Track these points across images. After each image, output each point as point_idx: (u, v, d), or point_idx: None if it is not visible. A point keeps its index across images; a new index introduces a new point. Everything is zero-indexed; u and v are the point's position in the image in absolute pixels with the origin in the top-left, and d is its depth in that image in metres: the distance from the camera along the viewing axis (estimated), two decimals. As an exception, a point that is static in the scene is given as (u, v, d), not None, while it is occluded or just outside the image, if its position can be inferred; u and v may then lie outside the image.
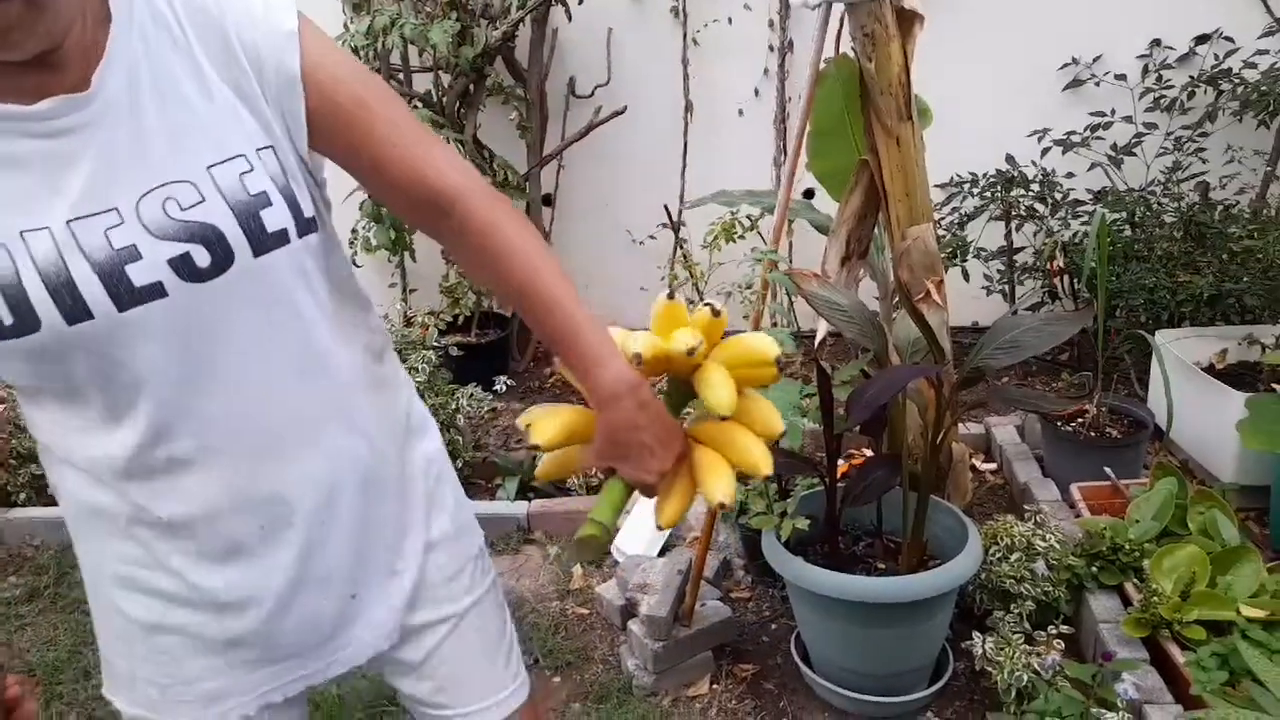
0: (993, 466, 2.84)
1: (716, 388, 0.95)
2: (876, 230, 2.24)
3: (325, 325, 0.89)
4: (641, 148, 3.81)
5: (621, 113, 3.64)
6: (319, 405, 0.90)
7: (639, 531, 2.54)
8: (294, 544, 0.92)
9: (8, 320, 0.75)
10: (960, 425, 2.97)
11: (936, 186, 3.37)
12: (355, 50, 3.32)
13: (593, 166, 3.86)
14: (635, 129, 3.76)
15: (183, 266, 0.78)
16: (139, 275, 0.77)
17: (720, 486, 0.96)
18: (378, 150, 0.86)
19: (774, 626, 2.28)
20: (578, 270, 3.93)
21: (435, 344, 2.85)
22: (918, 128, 1.98)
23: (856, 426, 1.86)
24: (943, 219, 3.36)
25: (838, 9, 1.93)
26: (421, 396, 2.74)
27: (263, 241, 0.82)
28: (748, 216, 3.52)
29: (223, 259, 0.79)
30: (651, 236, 3.84)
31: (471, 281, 3.51)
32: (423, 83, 3.60)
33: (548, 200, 3.87)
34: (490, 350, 3.57)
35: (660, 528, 1.00)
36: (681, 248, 3.80)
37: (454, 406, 2.79)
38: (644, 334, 0.99)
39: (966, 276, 3.32)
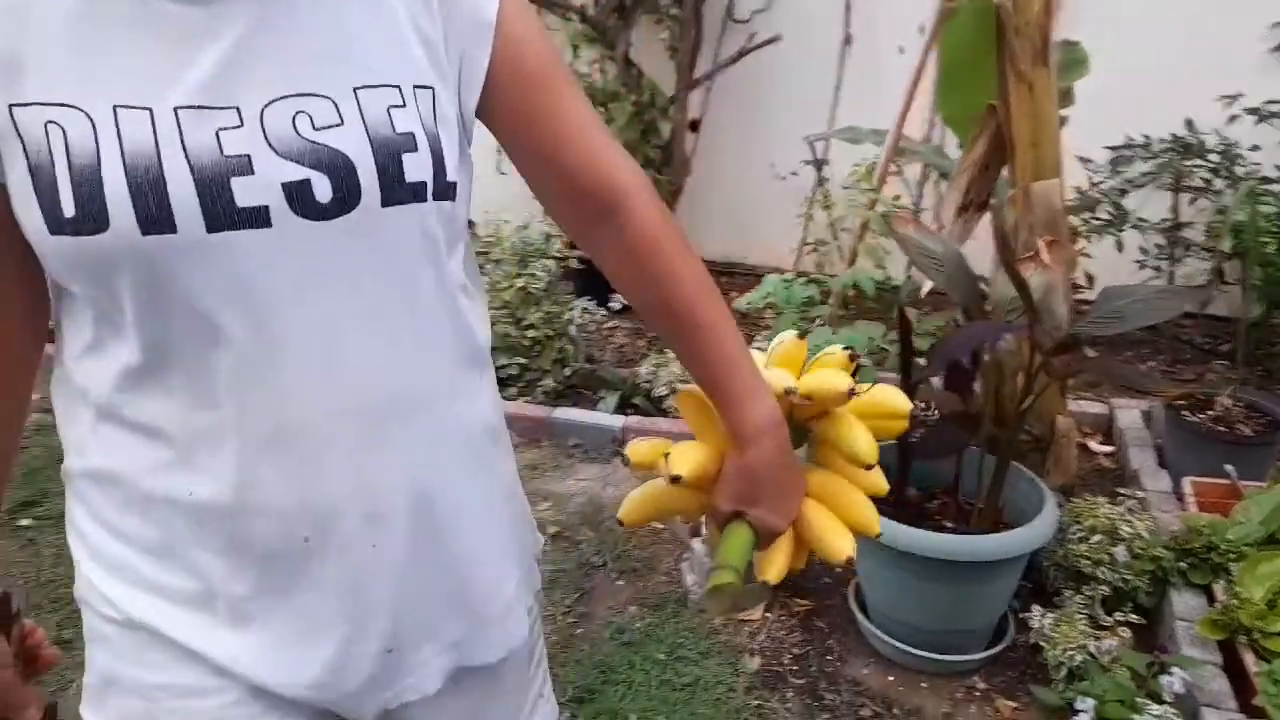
0: (1110, 449, 2.69)
1: (859, 437, 0.90)
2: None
3: (439, 310, 0.75)
4: (794, 79, 3.72)
5: (775, 40, 3.57)
6: (410, 401, 0.74)
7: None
8: (337, 564, 0.73)
9: (69, 211, 0.61)
10: (1078, 402, 2.82)
11: (1106, 148, 3.16)
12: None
13: (743, 94, 3.81)
14: (790, 59, 3.68)
15: (297, 195, 0.64)
16: (244, 194, 0.63)
17: (846, 543, 0.92)
18: (559, 127, 0.76)
19: (839, 571, 2.29)
20: (719, 200, 3.93)
21: (556, 254, 2.93)
22: (1054, 75, 1.86)
23: (938, 381, 1.82)
24: (1101, 182, 3.13)
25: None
26: (537, 304, 2.88)
27: (395, 190, 0.68)
28: (894, 163, 3.40)
29: (346, 197, 0.65)
30: (794, 173, 3.77)
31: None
32: (580, -4, 3.64)
33: (694, 125, 3.86)
34: (617, 268, 3.64)
35: (769, 583, 0.90)
36: (823, 186, 3.72)
37: (567, 316, 2.89)
38: (782, 371, 0.92)
39: (1120, 246, 3.10)
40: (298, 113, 0.65)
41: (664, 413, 2.86)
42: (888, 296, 2.04)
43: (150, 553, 0.73)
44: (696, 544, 2.19)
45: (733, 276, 3.93)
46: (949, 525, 1.99)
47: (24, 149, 0.61)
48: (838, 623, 2.13)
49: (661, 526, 2.46)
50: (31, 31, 0.61)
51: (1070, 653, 1.75)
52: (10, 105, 0.61)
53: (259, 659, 0.74)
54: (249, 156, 0.63)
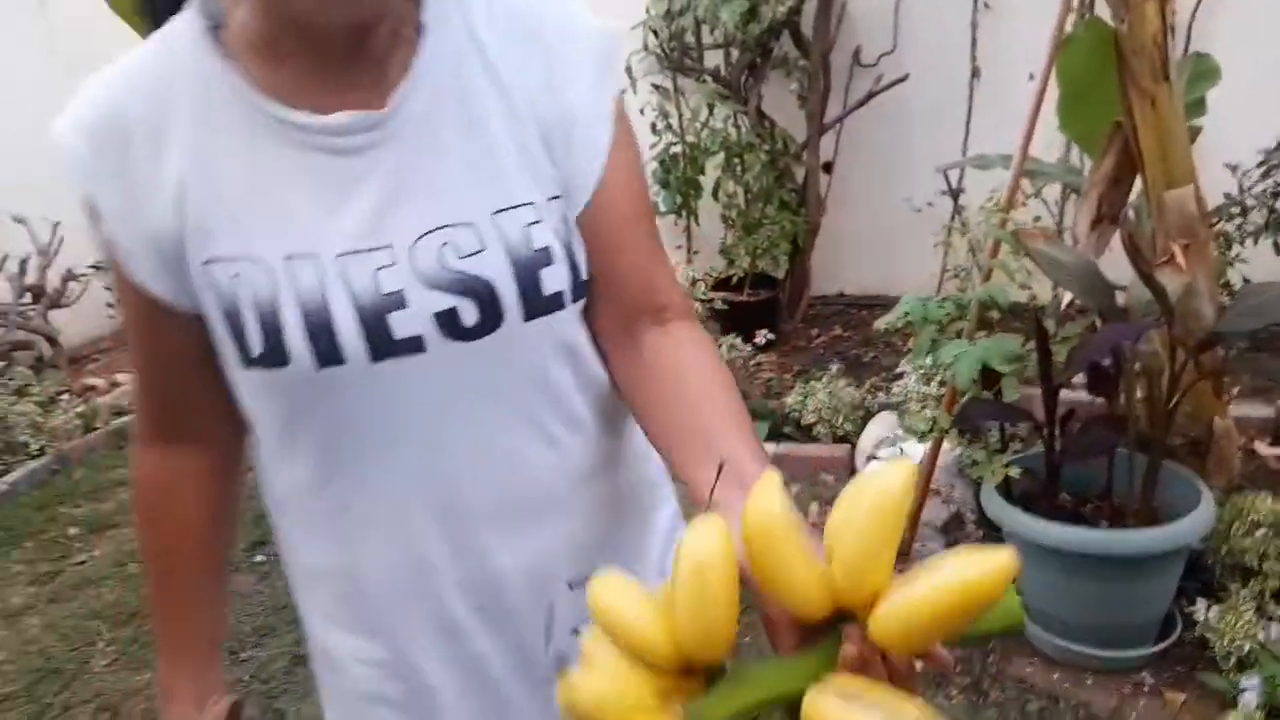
0: (1279, 453, 2.64)
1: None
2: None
3: (579, 400, 0.79)
4: (924, 114, 3.85)
5: (904, 80, 3.72)
6: (545, 490, 0.79)
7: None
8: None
9: (256, 350, 0.69)
10: (1242, 406, 2.78)
11: (1260, 151, 3.12)
12: (653, 31, 3.70)
13: (874, 134, 3.96)
14: (919, 95, 3.81)
15: (447, 322, 0.70)
16: (400, 326, 0.69)
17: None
18: (626, 238, 0.77)
19: (997, 578, 2.35)
20: (855, 235, 4.08)
21: (702, 297, 3.15)
22: (1177, 88, 1.95)
23: (1084, 387, 1.91)
24: (1252, 187, 3.09)
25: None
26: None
27: (536, 304, 0.71)
28: (1031, 184, 3.46)
29: (491, 319, 0.70)
30: (929, 204, 3.87)
31: (745, 244, 3.78)
32: (712, 58, 3.90)
33: (828, 167, 4.03)
34: (760, 308, 3.82)
35: None
36: (960, 215, 3.80)
37: (717, 353, 3.09)
38: None
39: (1278, 249, 3.04)
40: (444, 244, 0.70)
41: (814, 439, 3.00)
42: (1026, 312, 2.13)
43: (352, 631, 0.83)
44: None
45: (873, 309, 4.04)
46: (1104, 526, 2.04)
47: (217, 297, 0.70)
48: (1008, 642, 2.19)
49: (819, 543, 2.59)
50: (220, 197, 0.69)
51: (1238, 642, 1.77)
52: (204, 262, 0.70)
53: None
54: (403, 292, 0.69)
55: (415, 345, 0.70)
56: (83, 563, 2.93)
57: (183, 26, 0.71)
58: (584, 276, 0.75)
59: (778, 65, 3.78)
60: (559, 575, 0.81)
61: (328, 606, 0.85)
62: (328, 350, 0.69)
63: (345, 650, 0.84)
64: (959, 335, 1.98)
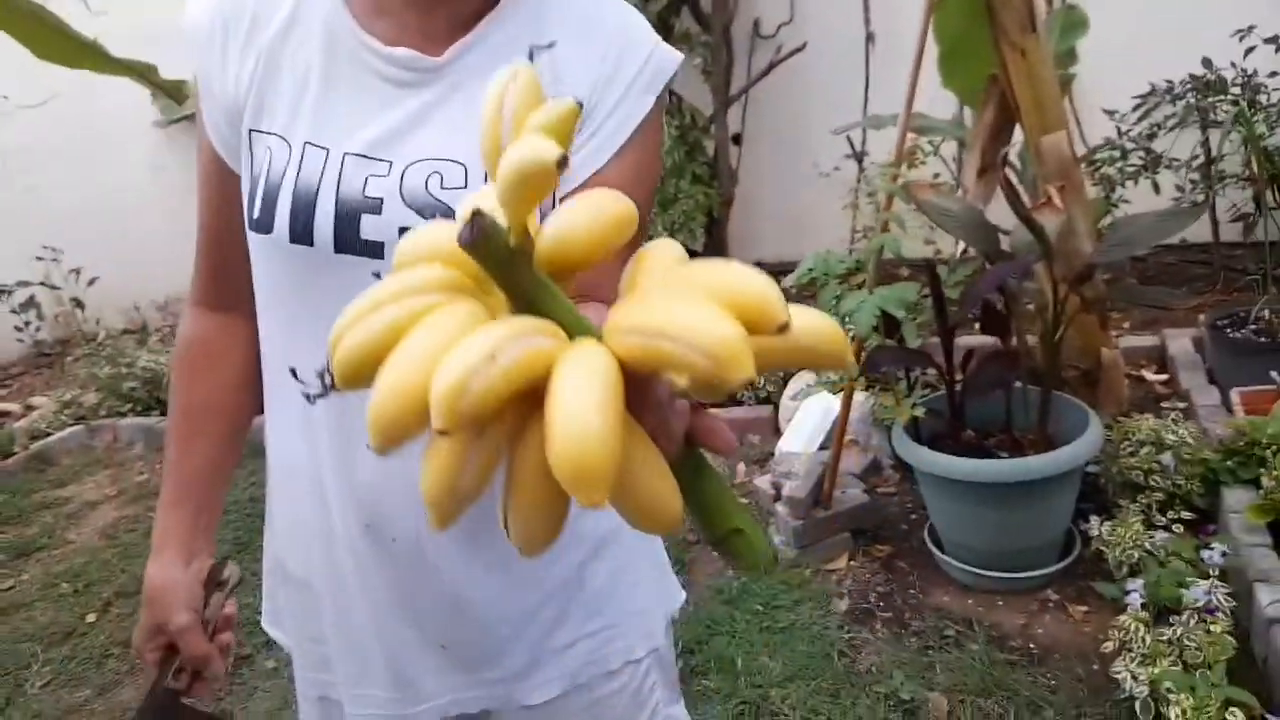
0: (1164, 377, 2.81)
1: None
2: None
3: None
4: (825, 82, 3.95)
5: (802, 49, 3.82)
6: None
7: (800, 431, 2.79)
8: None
9: (255, 213, 0.81)
10: (1129, 337, 2.95)
11: (1135, 98, 3.29)
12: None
13: (778, 103, 4.06)
14: (819, 64, 3.92)
15: None
16: (369, 228, 0.77)
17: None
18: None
19: (913, 517, 2.47)
20: (768, 204, 4.17)
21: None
22: (1046, 39, 2.06)
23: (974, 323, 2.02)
24: (1129, 130, 3.26)
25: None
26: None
27: None
28: (929, 142, 3.59)
29: None
30: (836, 168, 3.98)
31: (660, 219, 3.84)
32: (616, 38, 3.94)
33: (736, 139, 4.12)
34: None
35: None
36: (864, 176, 3.92)
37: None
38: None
39: (1157, 189, 3.22)
40: (432, 173, 0.77)
41: (739, 403, 3.09)
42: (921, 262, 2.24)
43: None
44: (778, 506, 2.40)
45: (790, 274, 4.14)
46: (1005, 456, 2.17)
47: (250, 162, 0.82)
48: (917, 561, 2.31)
49: (746, 502, 2.68)
50: (280, 80, 0.82)
51: (1129, 552, 1.90)
52: (250, 130, 0.82)
53: None
54: (382, 200, 0.77)
55: (375, 250, 0.77)
56: (12, 587, 2.88)
57: None
58: None
59: (680, 40, 3.84)
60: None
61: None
62: (302, 229, 0.78)
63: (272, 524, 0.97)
64: (861, 288, 2.08)
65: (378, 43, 0.79)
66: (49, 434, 3.84)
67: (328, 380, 0.78)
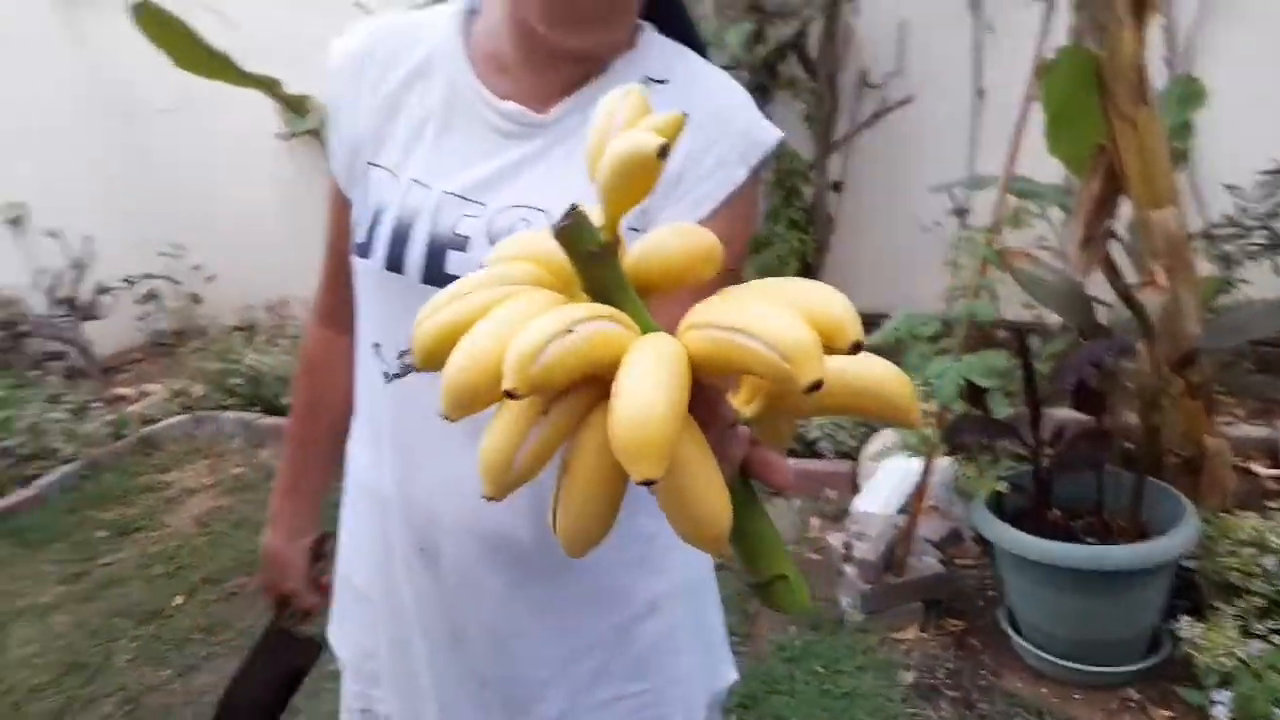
0: (1276, 472, 2.66)
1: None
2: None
3: None
4: (930, 135, 3.90)
5: (908, 102, 3.78)
6: None
7: (878, 491, 2.74)
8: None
9: (360, 239, 0.88)
10: (1239, 426, 2.81)
11: (1260, 174, 3.15)
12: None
13: (882, 153, 4.01)
14: (925, 117, 3.87)
15: None
16: (454, 264, 0.81)
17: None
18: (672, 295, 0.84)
19: (991, 593, 2.39)
20: (865, 254, 4.12)
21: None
22: (1158, 111, 2.00)
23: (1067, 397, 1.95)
24: (1252, 207, 3.11)
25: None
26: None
27: None
28: (1038, 205, 3.50)
29: None
30: (937, 223, 3.91)
31: (752, 263, 3.85)
32: (725, 80, 3.97)
33: (837, 186, 4.09)
34: (770, 324, 3.88)
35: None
36: (967, 232, 3.84)
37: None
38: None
39: (1279, 271, 3.06)
40: (521, 219, 0.81)
41: (818, 455, 3.06)
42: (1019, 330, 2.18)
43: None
44: (847, 567, 2.36)
45: (879, 328, 4.08)
46: (1092, 542, 2.08)
47: (363, 193, 0.89)
48: (990, 640, 2.24)
49: (818, 558, 2.64)
50: (398, 121, 0.88)
51: (1220, 659, 1.80)
52: (368, 162, 0.89)
53: None
54: (469, 239, 0.82)
55: None
56: (109, 564, 3.04)
57: (454, 5, 0.91)
58: None
59: (785, 86, 3.85)
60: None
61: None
62: (395, 257, 0.84)
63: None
64: (948, 352, 2.04)
65: (493, 96, 0.85)
66: (158, 420, 4.05)
67: (407, 360, 0.87)
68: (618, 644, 0.94)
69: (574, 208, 0.49)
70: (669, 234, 0.55)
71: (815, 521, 2.80)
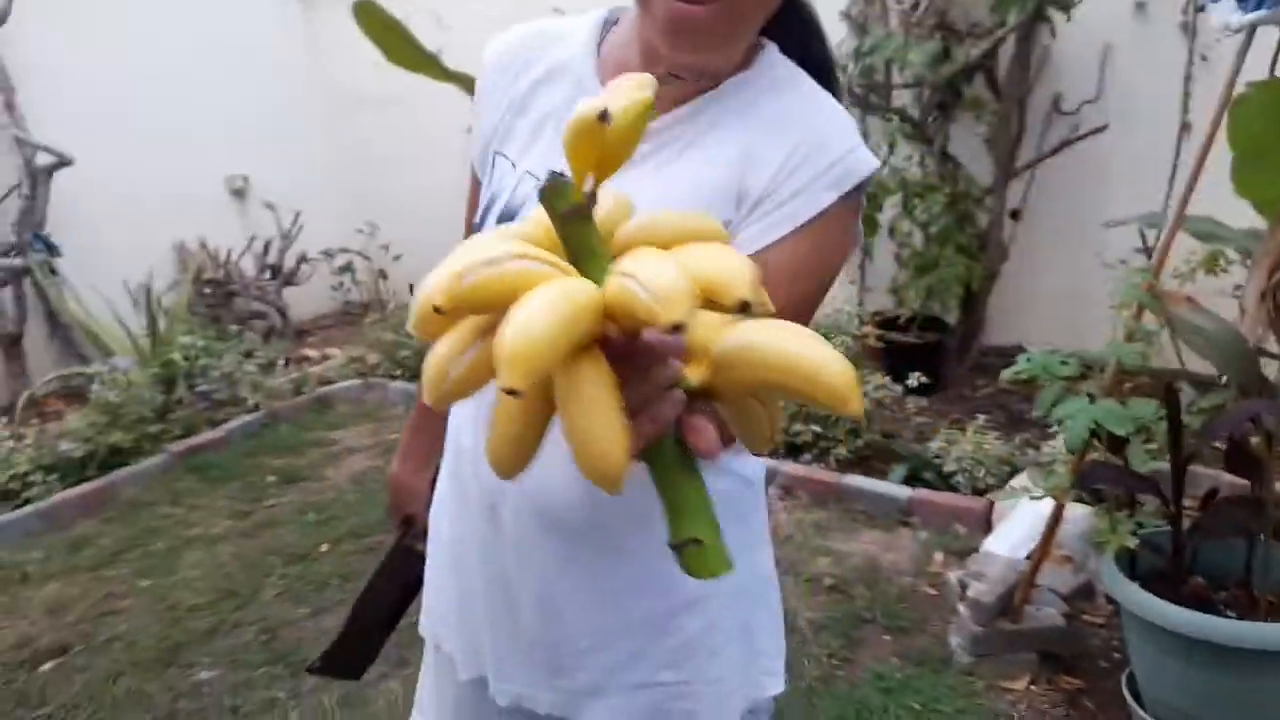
0: None
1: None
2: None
3: None
4: (1125, 167, 3.66)
5: (1102, 129, 3.56)
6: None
7: (1009, 533, 2.60)
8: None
9: (478, 219, 0.95)
10: None
11: None
12: (841, 68, 3.76)
13: (1069, 183, 3.80)
14: (1120, 147, 3.63)
15: None
16: None
17: None
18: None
19: (1117, 656, 2.22)
20: (1041, 287, 3.92)
21: (855, 332, 3.16)
22: (1364, 154, 1.80)
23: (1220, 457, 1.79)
24: None
25: (1264, 32, 1.83)
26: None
27: None
28: (1238, 250, 3.21)
29: None
30: (1123, 261, 3.66)
31: (914, 286, 3.74)
32: (902, 97, 3.89)
33: (1015, 214, 3.91)
34: (925, 351, 3.75)
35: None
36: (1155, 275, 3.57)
37: (862, 390, 3.10)
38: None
39: None
40: None
41: (953, 488, 2.94)
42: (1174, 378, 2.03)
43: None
44: (960, 606, 2.26)
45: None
46: (1233, 617, 1.90)
47: (486, 178, 0.97)
48: (1108, 706, 2.08)
49: (935, 594, 2.55)
50: (525, 117, 0.96)
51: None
52: (495, 151, 0.97)
53: None
54: None
55: None
56: (272, 506, 3.35)
57: (597, 15, 0.98)
58: None
59: (969, 107, 3.72)
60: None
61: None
62: None
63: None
64: (1089, 395, 1.92)
65: None
66: (334, 382, 4.41)
67: None
68: (657, 632, 0.97)
69: (553, 172, 0.55)
70: (671, 214, 0.61)
71: (939, 556, 2.69)
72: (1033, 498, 2.01)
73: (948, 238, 3.71)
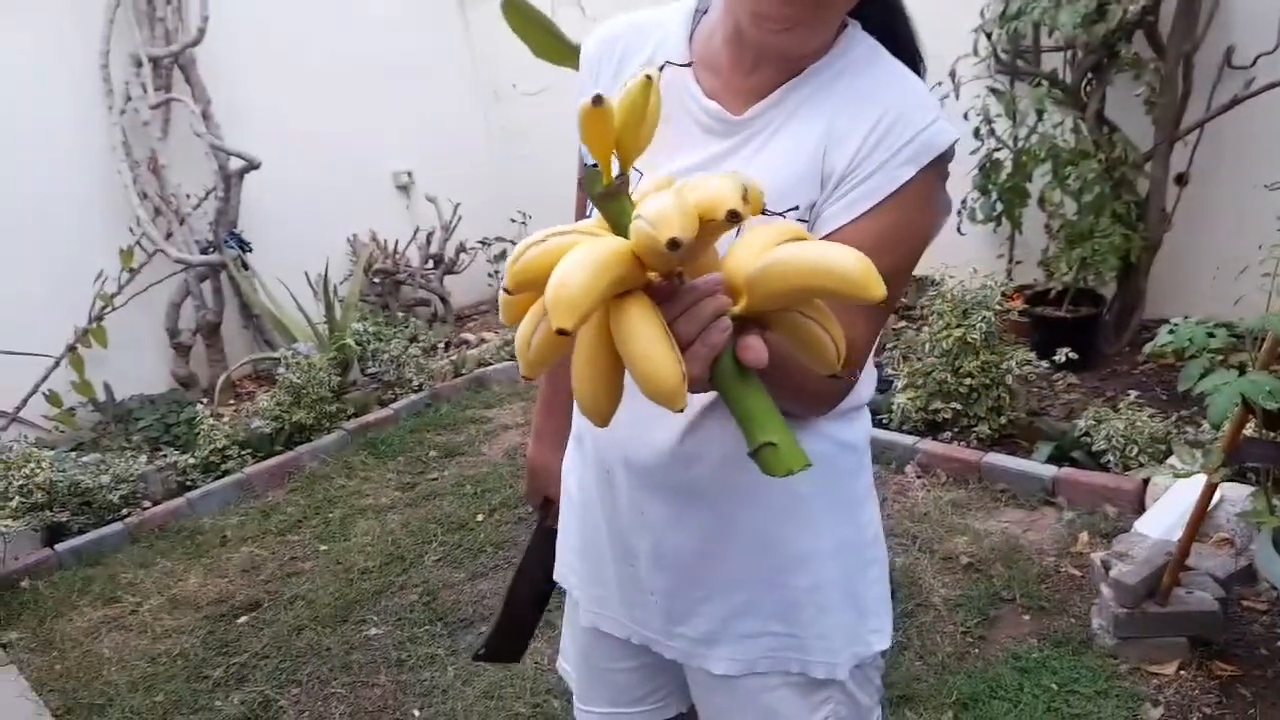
0: None
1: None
2: None
3: None
4: (1307, 126, 3.36)
5: (1277, 85, 3.28)
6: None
7: (1163, 514, 2.49)
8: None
9: (585, 212, 1.06)
10: None
11: None
12: (986, 34, 3.63)
13: (1240, 144, 3.53)
14: (1302, 104, 3.34)
15: None
16: None
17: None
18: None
19: (1279, 644, 2.10)
20: (1208, 256, 3.67)
21: (996, 306, 3.08)
22: None
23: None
24: None
25: None
26: (975, 353, 3.03)
27: None
28: None
29: None
30: (1303, 224, 3.37)
31: (1066, 257, 3.58)
32: (1052, 60, 3.71)
33: (1180, 179, 3.66)
34: (1079, 326, 3.59)
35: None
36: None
37: (1005, 366, 3.02)
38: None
39: None
40: None
41: (1104, 468, 2.83)
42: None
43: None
44: (1104, 587, 2.20)
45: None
46: None
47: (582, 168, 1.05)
48: (1266, 694, 1.98)
49: (1079, 574, 2.47)
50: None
51: None
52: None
53: None
54: None
55: None
56: (435, 479, 3.61)
57: (689, 4, 1.03)
58: None
59: (1127, 66, 3.51)
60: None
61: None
62: None
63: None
64: (1240, 367, 1.82)
65: (700, 93, 0.96)
66: (490, 364, 4.67)
67: None
68: (767, 586, 1.03)
69: (589, 165, 0.68)
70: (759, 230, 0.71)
71: (1084, 536, 2.61)
72: (1176, 475, 1.93)
73: (1103, 206, 3.52)
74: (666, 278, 0.65)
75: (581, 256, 0.60)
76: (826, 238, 0.89)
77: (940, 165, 0.90)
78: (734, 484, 1.00)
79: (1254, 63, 3.42)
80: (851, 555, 1.06)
